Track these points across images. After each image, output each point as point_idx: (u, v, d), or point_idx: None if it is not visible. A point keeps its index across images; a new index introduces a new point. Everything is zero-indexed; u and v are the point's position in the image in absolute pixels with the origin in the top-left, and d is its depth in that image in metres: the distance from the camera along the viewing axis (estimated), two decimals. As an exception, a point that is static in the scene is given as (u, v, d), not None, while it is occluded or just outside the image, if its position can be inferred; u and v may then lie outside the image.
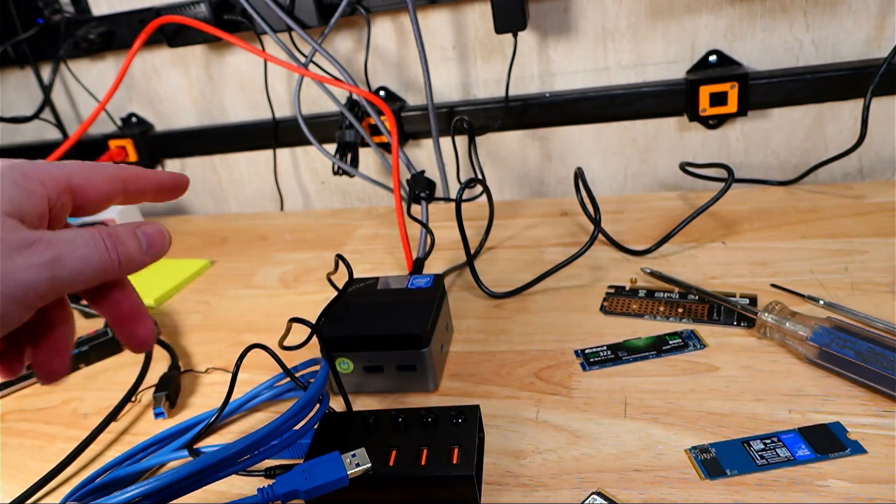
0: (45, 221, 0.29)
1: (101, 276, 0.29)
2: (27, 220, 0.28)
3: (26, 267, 0.26)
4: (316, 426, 0.39)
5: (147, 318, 0.34)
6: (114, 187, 0.33)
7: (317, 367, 0.44)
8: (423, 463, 0.36)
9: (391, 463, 0.36)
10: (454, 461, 0.35)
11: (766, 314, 0.45)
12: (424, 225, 0.61)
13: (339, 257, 0.49)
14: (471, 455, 0.36)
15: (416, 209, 0.65)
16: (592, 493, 0.35)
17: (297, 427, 0.37)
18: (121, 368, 0.57)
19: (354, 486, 0.34)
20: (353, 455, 0.35)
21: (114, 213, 0.84)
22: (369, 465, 0.34)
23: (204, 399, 0.51)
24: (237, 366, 0.39)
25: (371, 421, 0.39)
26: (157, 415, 0.49)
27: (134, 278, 0.78)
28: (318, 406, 0.39)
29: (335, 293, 0.49)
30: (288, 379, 0.46)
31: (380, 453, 0.37)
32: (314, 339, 0.44)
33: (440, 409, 0.39)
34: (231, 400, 0.44)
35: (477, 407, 0.39)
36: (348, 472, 0.34)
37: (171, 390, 0.50)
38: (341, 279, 0.51)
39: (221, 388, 0.52)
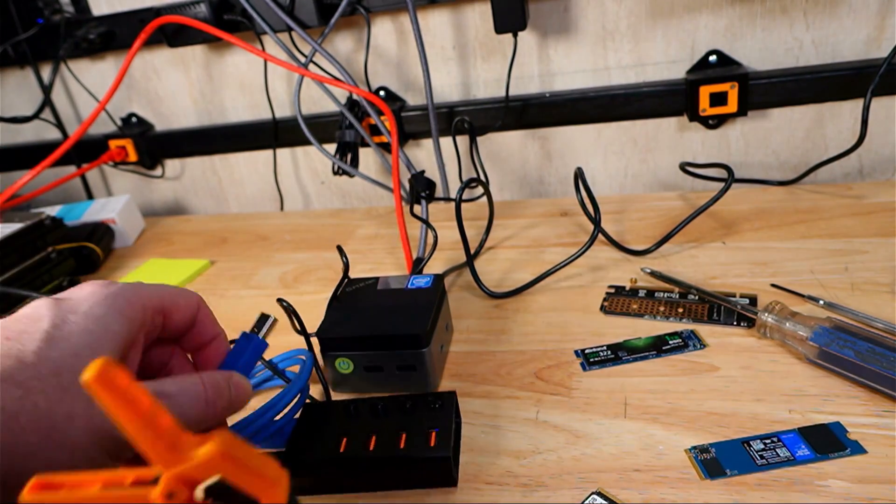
0: (139, 346, 0.31)
1: (197, 425, 0.29)
2: (125, 349, 0.29)
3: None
4: (297, 416, 0.40)
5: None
6: (192, 313, 0.35)
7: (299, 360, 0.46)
8: (402, 446, 0.37)
9: (371, 447, 0.37)
10: (432, 444, 0.37)
11: (766, 314, 0.45)
12: (426, 222, 0.61)
13: (339, 249, 0.50)
14: (447, 437, 0.37)
15: (417, 209, 0.65)
16: (592, 493, 0.35)
17: (277, 418, 0.39)
18: (121, 368, 0.57)
19: (338, 468, 0.36)
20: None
21: (113, 214, 0.84)
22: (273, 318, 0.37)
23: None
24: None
25: (351, 408, 0.40)
26: None
27: (136, 277, 0.78)
28: (298, 397, 0.40)
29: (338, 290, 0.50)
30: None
31: (360, 438, 0.38)
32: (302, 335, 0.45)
33: (418, 396, 0.40)
34: None
35: (453, 393, 0.40)
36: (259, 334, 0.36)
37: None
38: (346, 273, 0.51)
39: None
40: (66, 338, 0.27)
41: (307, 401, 0.43)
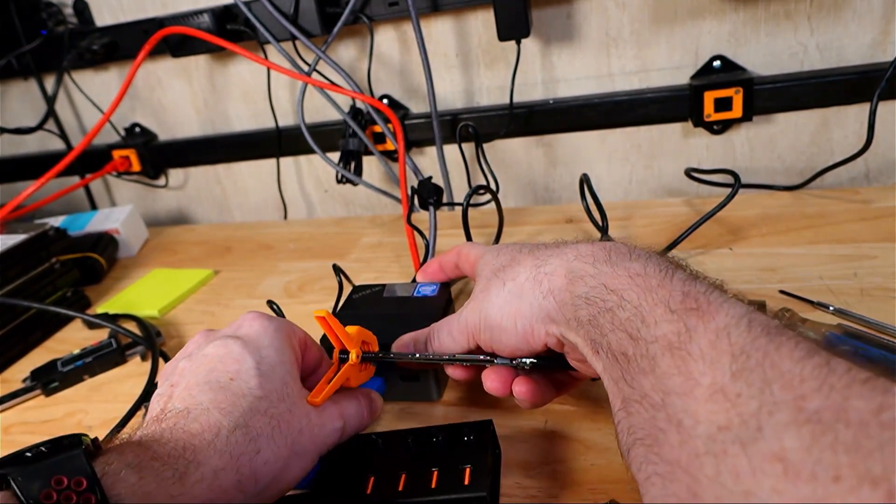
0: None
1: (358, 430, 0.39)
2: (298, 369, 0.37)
3: (330, 431, 0.36)
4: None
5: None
6: (319, 357, 0.41)
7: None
8: (433, 486, 0.34)
9: (400, 488, 0.35)
10: (466, 482, 0.34)
11: (776, 321, 0.45)
12: (421, 233, 0.61)
13: (335, 268, 0.50)
14: (483, 474, 0.34)
15: (416, 216, 0.65)
16: (604, 505, 0.35)
17: None
18: (126, 379, 0.57)
19: None
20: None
21: (117, 224, 0.84)
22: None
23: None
24: None
25: (379, 443, 0.38)
26: None
27: (140, 287, 0.77)
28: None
29: (342, 300, 0.49)
30: None
31: (389, 477, 0.35)
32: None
33: (450, 427, 0.38)
34: None
35: (489, 422, 0.38)
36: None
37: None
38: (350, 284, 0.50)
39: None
40: (272, 371, 0.35)
41: None
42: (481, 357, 0.38)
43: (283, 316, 0.48)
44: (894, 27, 0.65)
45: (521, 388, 0.37)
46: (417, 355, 0.41)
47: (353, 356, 0.38)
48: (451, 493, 0.34)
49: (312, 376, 0.41)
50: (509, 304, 0.35)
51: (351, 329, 0.39)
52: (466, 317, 0.38)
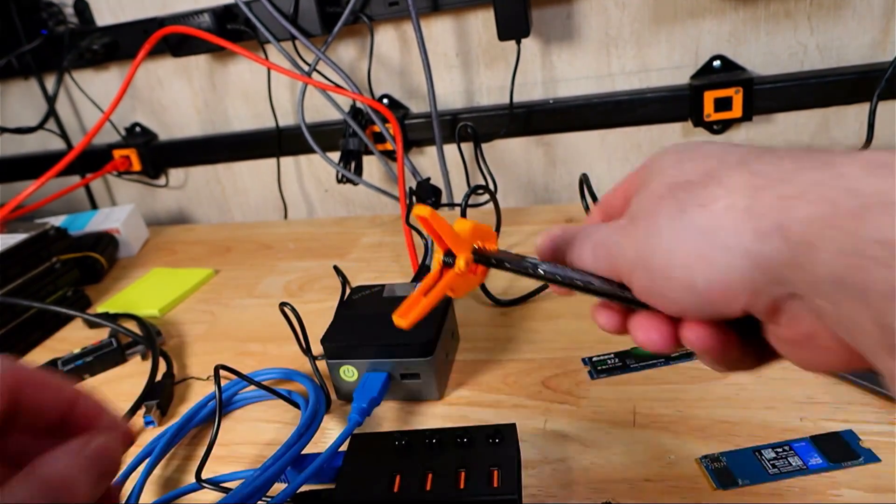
0: None
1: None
2: None
3: None
4: (344, 448, 0.38)
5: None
6: (62, 410, 0.26)
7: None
8: (461, 486, 0.34)
9: (428, 487, 0.35)
10: (495, 484, 0.34)
11: (776, 320, 0.45)
12: (419, 232, 0.61)
13: (336, 269, 0.50)
14: (512, 476, 0.34)
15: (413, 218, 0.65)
16: (603, 504, 0.35)
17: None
18: (127, 379, 0.57)
19: None
20: None
21: (118, 223, 0.84)
22: None
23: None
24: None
25: (403, 442, 0.38)
26: (146, 423, 0.49)
27: (140, 287, 0.77)
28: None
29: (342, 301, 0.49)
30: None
31: (415, 476, 0.35)
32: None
33: (475, 429, 0.38)
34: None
35: (513, 426, 0.38)
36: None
37: (163, 399, 0.51)
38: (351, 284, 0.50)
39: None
40: None
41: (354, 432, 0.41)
42: (629, 296, 0.26)
43: (298, 316, 0.48)
44: (894, 27, 0.65)
45: (695, 334, 0.26)
46: (543, 270, 0.29)
47: (460, 263, 0.29)
48: (481, 494, 0.34)
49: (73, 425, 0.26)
50: (686, 245, 0.23)
51: (464, 225, 0.30)
52: (621, 247, 0.26)
